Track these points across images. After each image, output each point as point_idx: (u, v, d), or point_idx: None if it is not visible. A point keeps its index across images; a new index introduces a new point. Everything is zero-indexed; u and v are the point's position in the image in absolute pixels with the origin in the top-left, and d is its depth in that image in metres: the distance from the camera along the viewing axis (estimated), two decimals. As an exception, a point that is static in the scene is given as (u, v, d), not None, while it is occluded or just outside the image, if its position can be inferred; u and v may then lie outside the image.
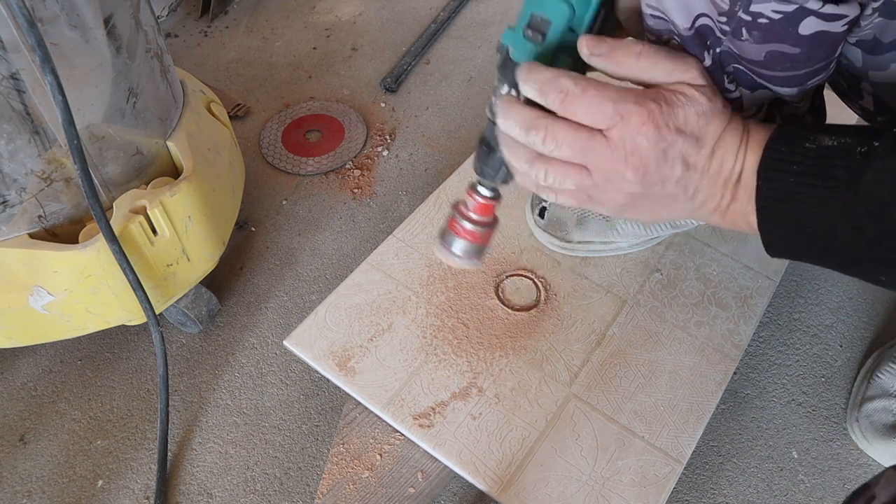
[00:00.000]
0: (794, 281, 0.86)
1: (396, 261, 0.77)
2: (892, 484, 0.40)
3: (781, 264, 0.79)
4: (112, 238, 0.60)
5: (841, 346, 0.81)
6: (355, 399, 0.68)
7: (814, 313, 0.84)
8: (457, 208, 0.60)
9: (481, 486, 0.63)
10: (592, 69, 0.43)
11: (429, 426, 0.66)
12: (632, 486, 0.63)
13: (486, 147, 0.53)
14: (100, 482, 0.71)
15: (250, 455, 0.73)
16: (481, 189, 0.57)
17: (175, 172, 0.71)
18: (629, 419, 0.67)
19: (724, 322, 0.74)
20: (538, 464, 0.64)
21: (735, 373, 0.71)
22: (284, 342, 0.71)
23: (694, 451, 0.66)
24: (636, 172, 0.40)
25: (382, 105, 1.07)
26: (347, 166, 0.98)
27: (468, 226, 0.59)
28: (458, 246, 0.60)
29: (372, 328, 0.72)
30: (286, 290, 0.86)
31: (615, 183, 0.41)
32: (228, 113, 1.03)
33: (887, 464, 0.72)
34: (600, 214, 0.76)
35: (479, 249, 0.61)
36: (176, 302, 0.75)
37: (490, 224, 0.60)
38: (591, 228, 0.77)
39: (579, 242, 0.78)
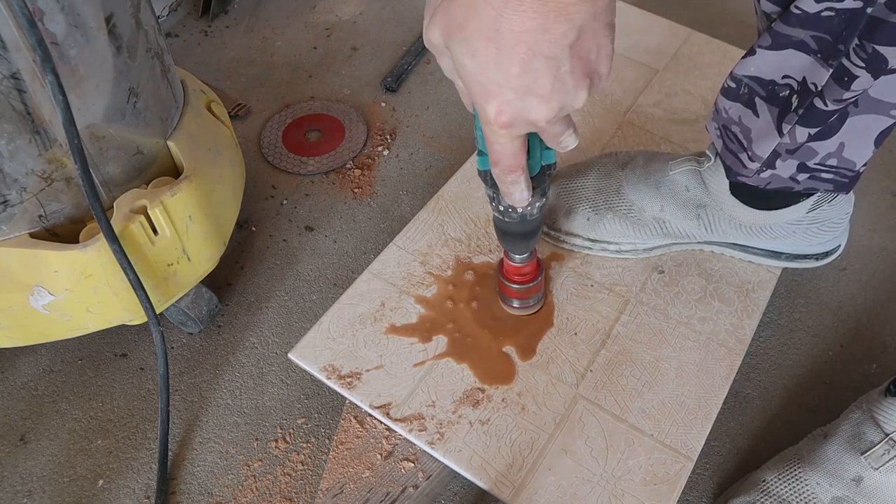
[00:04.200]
0: (794, 281, 0.86)
1: (398, 269, 0.77)
2: None
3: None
4: (113, 238, 0.60)
5: (841, 346, 0.81)
6: (364, 410, 0.68)
7: (814, 313, 0.84)
8: (502, 273, 0.71)
9: (494, 492, 0.63)
10: None
11: (438, 434, 0.66)
12: (643, 485, 0.63)
13: (502, 233, 0.62)
14: (100, 482, 0.71)
15: (250, 455, 0.73)
16: (513, 257, 0.66)
17: (175, 172, 0.71)
18: (637, 418, 0.67)
19: (727, 317, 0.74)
20: (548, 467, 0.64)
21: (736, 373, 0.71)
22: (289, 355, 0.71)
23: (694, 451, 0.66)
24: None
25: (383, 105, 1.07)
26: (348, 166, 0.98)
27: (517, 287, 0.70)
28: (516, 303, 0.72)
29: (376, 337, 0.72)
30: (287, 289, 0.86)
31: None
32: (229, 112, 1.03)
33: None
34: (589, 207, 0.77)
35: (535, 299, 0.73)
36: (176, 301, 0.75)
37: (535, 278, 0.70)
38: (577, 221, 0.78)
39: (566, 233, 0.78)
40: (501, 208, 0.58)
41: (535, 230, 0.62)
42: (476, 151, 0.54)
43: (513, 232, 0.61)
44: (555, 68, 0.38)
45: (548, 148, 0.53)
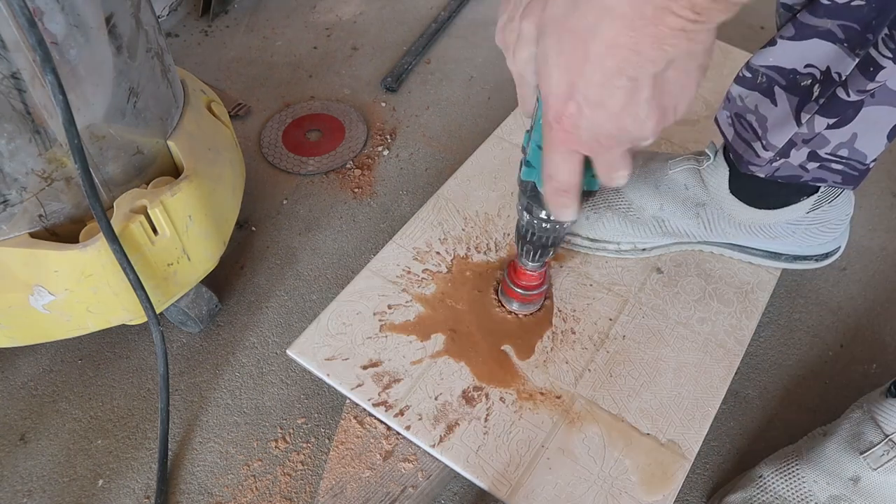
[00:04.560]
0: (794, 281, 0.86)
1: (397, 267, 0.77)
2: None
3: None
4: (113, 238, 0.60)
5: (841, 346, 0.81)
6: (360, 406, 0.68)
7: (814, 313, 0.84)
8: (509, 275, 0.71)
9: (491, 490, 0.63)
10: None
11: (434, 431, 0.66)
12: (640, 485, 0.63)
13: (525, 242, 0.63)
14: (100, 481, 0.71)
15: (250, 455, 0.73)
16: (526, 263, 0.67)
17: (175, 172, 0.71)
18: (635, 417, 0.67)
19: (726, 317, 0.74)
20: (546, 466, 0.64)
21: (736, 373, 0.71)
22: (287, 351, 0.71)
23: (694, 451, 0.66)
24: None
25: (383, 104, 1.07)
26: (348, 166, 0.98)
27: (521, 292, 0.71)
28: (517, 306, 0.73)
29: (375, 335, 0.72)
30: (287, 289, 0.86)
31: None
32: (229, 112, 1.03)
33: None
34: (590, 207, 0.77)
35: (535, 304, 0.74)
36: (176, 301, 0.75)
37: (540, 286, 0.71)
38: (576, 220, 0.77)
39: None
40: (535, 221, 0.59)
41: (559, 241, 0.62)
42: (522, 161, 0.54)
43: (538, 242, 0.62)
44: (633, 91, 0.38)
45: (593, 176, 0.51)
